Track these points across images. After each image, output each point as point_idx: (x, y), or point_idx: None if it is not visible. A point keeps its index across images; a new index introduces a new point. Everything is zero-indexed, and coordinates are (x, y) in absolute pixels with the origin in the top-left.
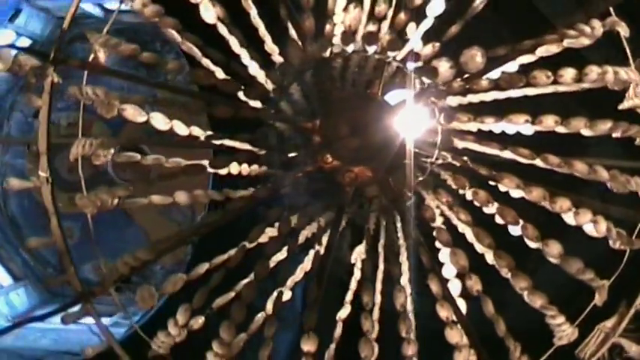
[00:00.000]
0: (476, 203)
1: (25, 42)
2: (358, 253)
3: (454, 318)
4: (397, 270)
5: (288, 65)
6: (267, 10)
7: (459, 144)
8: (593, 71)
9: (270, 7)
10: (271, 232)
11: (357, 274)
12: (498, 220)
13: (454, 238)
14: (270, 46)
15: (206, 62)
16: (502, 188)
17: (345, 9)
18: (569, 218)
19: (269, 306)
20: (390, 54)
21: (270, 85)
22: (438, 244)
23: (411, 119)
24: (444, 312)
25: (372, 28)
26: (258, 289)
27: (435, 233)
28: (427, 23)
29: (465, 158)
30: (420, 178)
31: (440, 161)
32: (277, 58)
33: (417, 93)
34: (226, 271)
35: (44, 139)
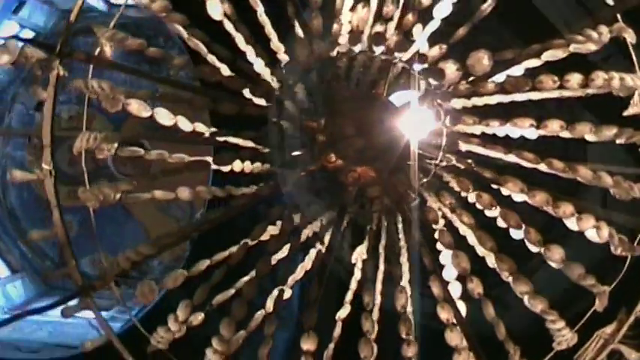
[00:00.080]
0: (478, 206)
1: (28, 34)
2: (359, 254)
3: (454, 320)
4: (398, 271)
5: (295, 64)
6: (273, 8)
7: (463, 147)
8: (599, 77)
9: (275, 5)
10: (273, 230)
11: (357, 274)
12: (501, 223)
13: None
14: (276, 44)
15: (211, 59)
16: (504, 191)
17: (353, 9)
18: (571, 223)
19: (269, 304)
20: (397, 55)
21: (275, 84)
22: (439, 246)
23: (415, 120)
24: (444, 314)
25: (379, 28)
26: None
27: (436, 235)
28: (434, 25)
29: (470, 161)
30: (425, 180)
31: (444, 163)
32: (283, 57)
33: (422, 94)
34: (227, 268)
35: (48, 131)
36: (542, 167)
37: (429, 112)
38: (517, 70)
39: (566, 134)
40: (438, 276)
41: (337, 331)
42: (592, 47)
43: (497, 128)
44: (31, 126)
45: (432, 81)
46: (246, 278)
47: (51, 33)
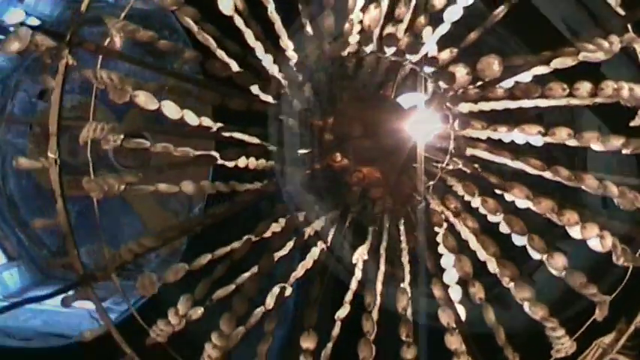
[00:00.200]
0: (482, 211)
1: (34, 22)
2: (360, 254)
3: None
4: (401, 272)
5: (304, 62)
6: (282, 4)
7: (470, 151)
8: (608, 86)
9: (284, 3)
10: (275, 227)
11: (357, 274)
12: (504, 229)
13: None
14: (285, 42)
15: (221, 54)
16: (508, 197)
17: (364, 9)
18: (575, 232)
19: (269, 301)
20: (408, 57)
21: (283, 81)
22: (439, 250)
23: (422, 123)
24: (445, 317)
25: (390, 29)
26: None
27: (438, 238)
28: (444, 28)
29: (476, 165)
30: (431, 183)
31: (450, 167)
32: (291, 54)
33: (431, 97)
34: (229, 263)
35: (55, 120)
36: (548, 175)
37: (436, 114)
38: (525, 77)
39: (573, 142)
40: (440, 279)
41: (336, 330)
42: (602, 56)
43: (504, 134)
44: (32, 114)
45: (441, 84)
46: (247, 274)
47: (57, 21)
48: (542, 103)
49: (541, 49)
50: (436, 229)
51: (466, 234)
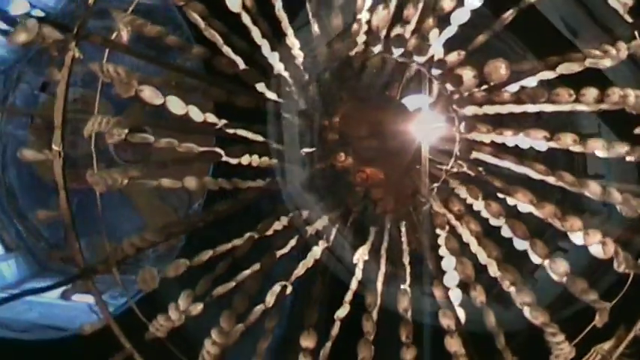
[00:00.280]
0: (485, 214)
1: (38, 14)
2: (361, 254)
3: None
4: (403, 273)
5: (311, 61)
6: (287, 2)
7: (475, 154)
8: (615, 93)
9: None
10: (277, 225)
11: (358, 274)
12: (507, 232)
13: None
14: (291, 40)
15: (227, 50)
16: (511, 201)
17: (372, 9)
18: (577, 238)
19: (269, 299)
20: (415, 58)
21: (290, 80)
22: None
23: (428, 124)
24: (445, 320)
25: (398, 30)
26: None
27: (440, 240)
28: (451, 30)
29: (481, 169)
30: (436, 185)
31: (455, 170)
32: (297, 53)
33: (437, 99)
34: (231, 260)
35: (60, 113)
36: (552, 180)
37: (441, 116)
38: (530, 81)
39: (578, 148)
40: (441, 281)
41: (335, 330)
42: (608, 63)
43: (509, 138)
44: (34, 106)
45: (448, 86)
46: (247, 272)
47: (62, 14)
48: (548, 108)
49: (540, 49)
50: (438, 231)
51: (468, 237)
